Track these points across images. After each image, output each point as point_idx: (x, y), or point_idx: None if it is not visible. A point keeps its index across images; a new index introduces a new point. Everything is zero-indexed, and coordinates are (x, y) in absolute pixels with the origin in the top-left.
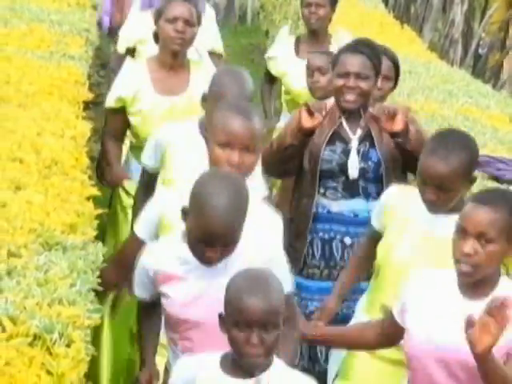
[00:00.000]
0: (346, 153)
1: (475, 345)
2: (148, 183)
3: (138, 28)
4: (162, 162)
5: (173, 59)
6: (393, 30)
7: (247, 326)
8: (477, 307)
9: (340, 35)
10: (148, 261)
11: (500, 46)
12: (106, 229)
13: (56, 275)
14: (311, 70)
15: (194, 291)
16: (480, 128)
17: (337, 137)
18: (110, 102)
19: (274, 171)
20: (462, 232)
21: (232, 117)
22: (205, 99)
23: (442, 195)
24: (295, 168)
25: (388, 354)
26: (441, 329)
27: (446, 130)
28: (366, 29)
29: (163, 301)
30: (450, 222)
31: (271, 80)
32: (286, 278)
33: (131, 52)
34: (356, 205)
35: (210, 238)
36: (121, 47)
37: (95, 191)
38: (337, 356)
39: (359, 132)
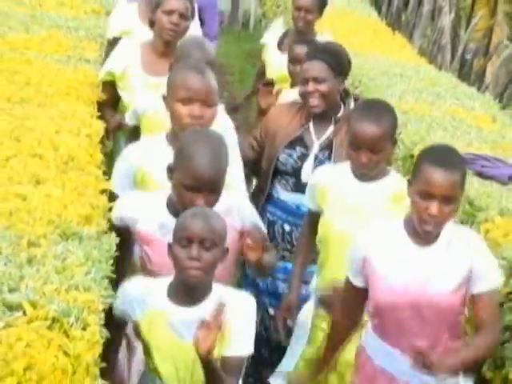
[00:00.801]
0: (304, 157)
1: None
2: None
3: (123, 19)
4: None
5: (165, 47)
6: (385, 36)
7: (188, 242)
8: (427, 252)
9: (324, 38)
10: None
11: (484, 51)
12: None
13: (73, 263)
14: (294, 60)
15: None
16: (466, 128)
17: (298, 142)
18: (101, 74)
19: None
20: (426, 196)
21: (190, 74)
22: (171, 68)
23: (373, 157)
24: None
25: None
26: (402, 274)
27: (368, 100)
28: (360, 35)
29: (139, 255)
30: (375, 188)
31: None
32: (256, 219)
33: (117, 41)
34: (301, 199)
35: (199, 182)
36: (109, 34)
37: (109, 185)
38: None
39: (323, 139)
